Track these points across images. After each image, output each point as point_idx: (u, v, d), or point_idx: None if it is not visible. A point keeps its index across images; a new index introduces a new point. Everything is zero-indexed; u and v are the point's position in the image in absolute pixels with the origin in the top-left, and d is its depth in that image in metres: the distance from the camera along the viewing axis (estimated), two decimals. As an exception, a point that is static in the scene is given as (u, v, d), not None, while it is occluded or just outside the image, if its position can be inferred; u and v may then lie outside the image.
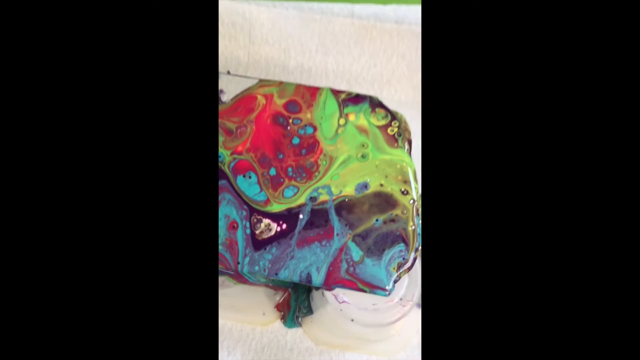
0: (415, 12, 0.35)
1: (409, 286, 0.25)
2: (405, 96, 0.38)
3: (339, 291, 0.24)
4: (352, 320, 0.24)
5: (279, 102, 0.27)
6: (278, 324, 0.30)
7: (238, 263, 0.23)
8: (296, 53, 0.37)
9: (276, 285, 0.29)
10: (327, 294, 0.25)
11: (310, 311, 0.30)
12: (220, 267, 0.24)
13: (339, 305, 0.25)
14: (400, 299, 0.25)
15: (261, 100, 0.27)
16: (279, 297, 0.30)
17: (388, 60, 0.37)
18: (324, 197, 0.25)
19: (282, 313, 0.30)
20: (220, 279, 0.26)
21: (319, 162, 0.26)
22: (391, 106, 0.38)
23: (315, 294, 0.29)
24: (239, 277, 0.24)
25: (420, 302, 0.29)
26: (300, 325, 0.30)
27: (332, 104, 0.27)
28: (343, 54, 0.37)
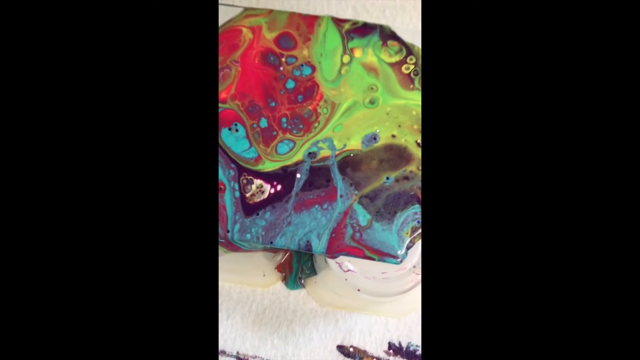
0: None
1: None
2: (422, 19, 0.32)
3: (343, 259, 0.22)
4: (359, 290, 0.22)
5: (269, 35, 0.22)
6: (279, 285, 0.28)
7: (228, 231, 0.20)
8: (291, -26, 0.31)
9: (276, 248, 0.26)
10: (330, 261, 0.22)
11: (313, 272, 0.27)
12: None
13: (344, 275, 0.22)
14: (414, 267, 0.22)
15: (247, 34, 0.22)
16: (279, 258, 0.28)
17: (402, -19, 0.31)
18: (325, 153, 0.21)
19: (284, 274, 0.28)
20: None
21: (319, 110, 0.21)
22: (406, 38, 0.33)
23: (319, 255, 0.26)
24: (230, 245, 0.22)
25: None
26: (303, 286, 0.28)
27: (334, 37, 0.22)
28: (348, -27, 0.31)
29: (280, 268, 0.28)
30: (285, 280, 0.28)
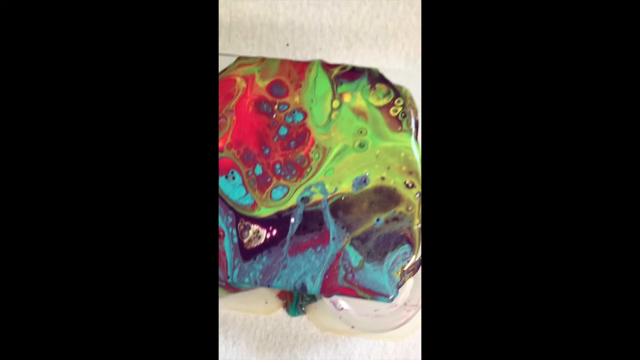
0: None
1: (414, 289, 0.23)
2: (415, 51, 0.32)
3: (337, 298, 0.23)
4: (353, 327, 0.23)
5: (262, 84, 0.23)
6: (281, 311, 0.30)
7: (228, 277, 0.22)
8: (285, 8, 0.32)
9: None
10: (325, 300, 0.23)
11: (313, 298, 0.28)
12: None
13: (338, 313, 0.23)
14: (405, 304, 0.23)
15: (241, 83, 0.23)
16: None
17: (394, 9, 0.31)
18: (317, 197, 0.22)
19: (285, 301, 0.29)
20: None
21: (311, 155, 0.22)
22: (399, 63, 0.33)
23: None
24: (230, 288, 0.23)
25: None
26: (304, 312, 0.29)
27: (323, 83, 0.23)
28: (339, 5, 0.31)
29: (281, 295, 0.29)
30: (286, 307, 0.29)
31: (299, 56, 0.34)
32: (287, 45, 0.33)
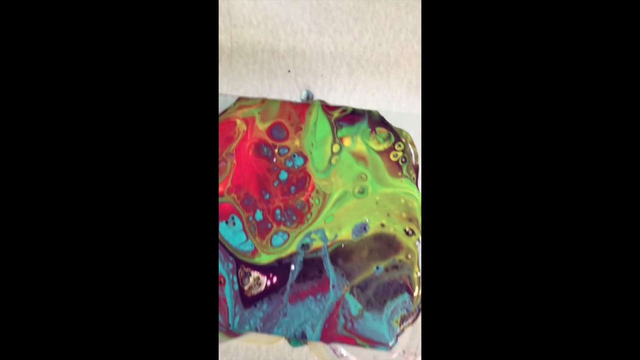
0: None
1: (412, 338, 0.23)
2: (416, 79, 0.32)
3: (337, 345, 0.23)
4: None
5: (262, 126, 0.23)
6: (283, 341, 0.30)
7: (229, 324, 0.22)
8: (286, 34, 0.31)
9: None
10: (325, 346, 0.23)
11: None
12: None
13: (336, 358, 0.23)
14: (403, 352, 0.23)
15: (241, 125, 0.23)
16: None
17: (395, 37, 0.31)
18: (317, 244, 0.22)
19: (287, 333, 0.29)
20: None
21: (311, 201, 0.22)
22: (400, 90, 0.33)
23: None
24: (231, 333, 0.23)
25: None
26: (305, 343, 0.29)
27: (323, 126, 0.23)
28: (341, 32, 0.31)
29: (283, 326, 0.30)
30: (288, 339, 0.30)
31: (301, 82, 0.34)
32: (289, 71, 0.32)
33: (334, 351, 0.23)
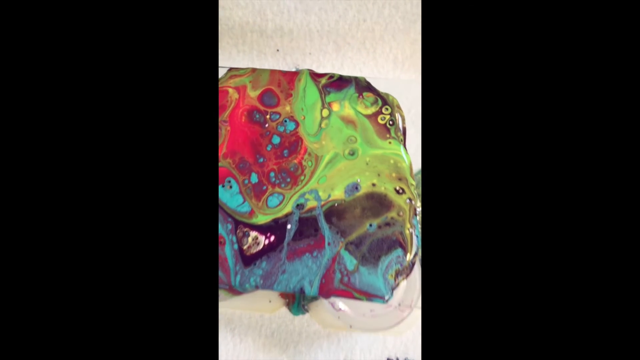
0: None
1: (407, 291, 0.23)
2: (402, 53, 0.32)
3: (335, 299, 0.23)
4: (350, 326, 0.23)
5: (253, 94, 0.23)
6: (285, 310, 0.30)
7: (231, 283, 0.22)
8: (273, 14, 0.32)
9: None
10: (324, 301, 0.23)
11: (315, 297, 0.29)
12: None
13: (336, 313, 0.23)
14: (399, 304, 0.23)
15: (233, 94, 0.23)
16: None
17: (379, 13, 0.31)
18: (311, 204, 0.22)
19: (287, 300, 0.30)
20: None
21: (304, 163, 0.22)
22: (387, 66, 0.33)
23: None
24: (233, 291, 0.23)
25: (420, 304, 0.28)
26: (307, 311, 0.29)
27: (312, 92, 0.23)
28: (326, 10, 0.31)
29: (283, 295, 0.30)
30: (289, 306, 0.30)
31: (290, 61, 0.34)
32: (277, 50, 0.33)
33: (333, 305, 0.23)
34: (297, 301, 0.29)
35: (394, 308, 0.23)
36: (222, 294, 0.24)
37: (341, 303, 0.23)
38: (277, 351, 0.29)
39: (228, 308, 0.30)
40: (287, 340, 0.29)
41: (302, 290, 0.22)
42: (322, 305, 0.29)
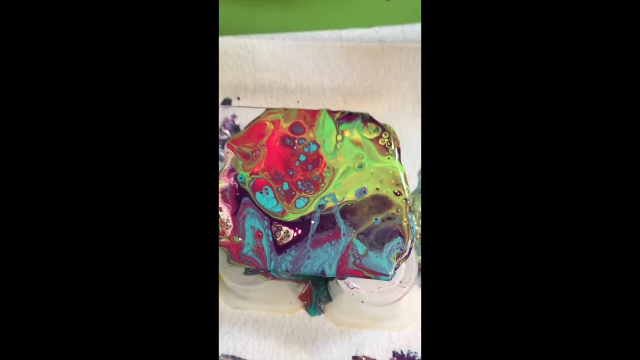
0: (394, 31, 0.38)
1: (406, 271, 0.28)
2: (395, 103, 0.41)
3: (349, 279, 0.28)
4: (362, 302, 0.28)
5: (285, 125, 0.30)
6: (303, 311, 0.34)
7: (267, 268, 0.27)
8: (295, 75, 0.40)
9: (297, 279, 0.32)
10: (340, 282, 0.28)
11: (329, 298, 0.33)
12: (253, 267, 0.27)
13: (351, 291, 0.28)
14: (400, 282, 0.28)
15: (270, 126, 0.30)
16: (301, 289, 0.34)
17: (376, 74, 0.40)
18: (330, 204, 0.28)
19: (305, 302, 0.34)
20: (253, 277, 0.30)
21: (324, 174, 0.29)
22: (382, 114, 0.41)
23: (332, 283, 0.32)
24: (268, 275, 0.28)
25: (418, 282, 0.32)
26: (323, 312, 0.33)
27: (329, 123, 0.30)
28: (336, 72, 0.40)
29: (302, 297, 0.34)
30: (307, 308, 0.34)
31: (307, 110, 0.42)
32: (298, 102, 0.41)
33: (347, 284, 0.28)
34: (314, 303, 0.34)
35: (396, 285, 0.28)
36: (257, 279, 0.29)
37: (354, 282, 0.28)
38: (297, 347, 0.33)
39: (254, 310, 0.34)
40: (306, 337, 0.33)
41: (323, 272, 0.27)
42: (337, 305, 0.33)
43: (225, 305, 0.34)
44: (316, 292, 0.33)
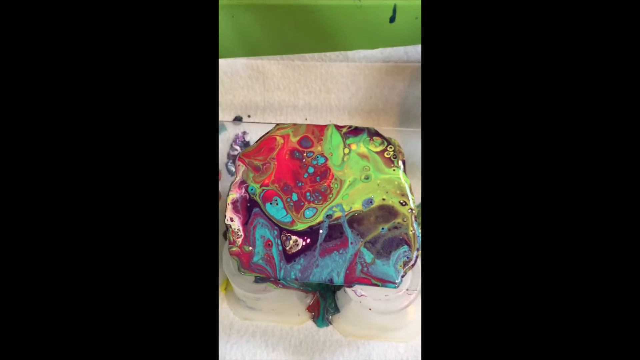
0: (397, 52, 0.39)
1: (413, 278, 0.29)
2: (397, 120, 0.42)
3: (357, 287, 0.28)
4: (370, 309, 0.28)
5: (294, 139, 0.31)
6: (311, 322, 0.34)
7: (277, 276, 0.27)
8: (303, 94, 0.42)
9: (306, 289, 0.32)
10: (348, 290, 0.28)
11: (337, 310, 0.33)
12: (263, 276, 0.28)
13: (358, 298, 0.28)
14: (407, 289, 0.28)
15: (279, 140, 0.31)
16: (309, 300, 0.34)
17: (381, 92, 0.41)
18: (337, 214, 0.29)
19: (313, 314, 0.34)
20: (263, 285, 0.30)
21: (332, 185, 0.30)
22: (386, 130, 0.42)
23: (340, 294, 0.32)
24: (277, 283, 0.28)
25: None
26: (330, 323, 0.33)
27: (337, 137, 0.31)
28: (342, 90, 0.42)
29: (309, 309, 0.34)
30: (315, 320, 0.34)
31: (314, 127, 0.44)
32: (306, 119, 0.42)
33: (355, 292, 0.28)
34: (321, 314, 0.34)
35: (403, 292, 0.28)
36: (267, 287, 0.30)
37: (362, 290, 0.28)
38: (305, 358, 0.33)
39: (263, 322, 0.34)
40: (314, 348, 0.33)
41: (331, 280, 0.27)
42: (344, 314, 0.33)
43: (234, 317, 0.34)
44: (324, 304, 0.34)
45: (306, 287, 0.32)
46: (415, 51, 0.39)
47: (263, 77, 0.41)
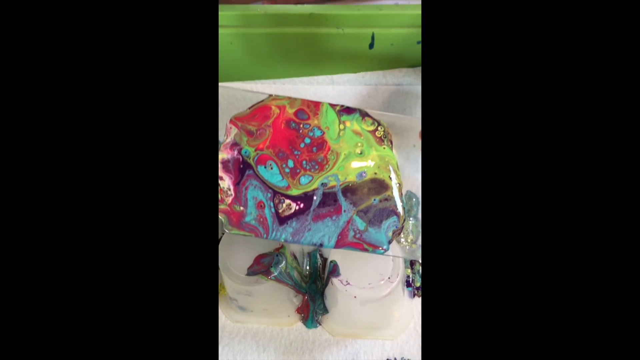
0: (377, 76, 0.42)
1: (394, 268, 0.30)
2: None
3: (342, 278, 0.28)
4: (355, 297, 0.28)
5: (290, 111, 0.31)
6: (301, 324, 0.33)
7: (269, 236, 0.26)
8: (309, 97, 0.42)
9: (297, 288, 0.31)
10: (335, 280, 0.28)
11: (326, 311, 0.33)
12: (252, 235, 0.26)
13: (344, 287, 0.28)
14: (389, 278, 0.29)
15: (275, 110, 0.31)
16: (298, 302, 0.33)
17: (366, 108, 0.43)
18: (332, 183, 0.29)
19: (302, 315, 0.33)
20: (255, 278, 0.29)
21: (329, 156, 0.30)
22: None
23: (328, 294, 0.31)
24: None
25: (404, 280, 0.33)
26: (320, 324, 0.33)
27: (332, 114, 0.32)
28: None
29: (299, 310, 0.33)
30: (304, 322, 0.33)
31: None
32: None
33: (341, 282, 0.28)
34: (310, 316, 0.33)
35: (385, 281, 0.28)
36: (259, 279, 0.29)
37: (348, 279, 0.29)
38: (295, 357, 0.32)
39: (254, 324, 0.33)
40: (303, 348, 0.32)
41: (322, 244, 0.27)
42: (332, 315, 0.32)
43: (225, 319, 0.33)
44: (313, 306, 0.33)
45: (298, 286, 0.31)
46: (392, 75, 0.42)
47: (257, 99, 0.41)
